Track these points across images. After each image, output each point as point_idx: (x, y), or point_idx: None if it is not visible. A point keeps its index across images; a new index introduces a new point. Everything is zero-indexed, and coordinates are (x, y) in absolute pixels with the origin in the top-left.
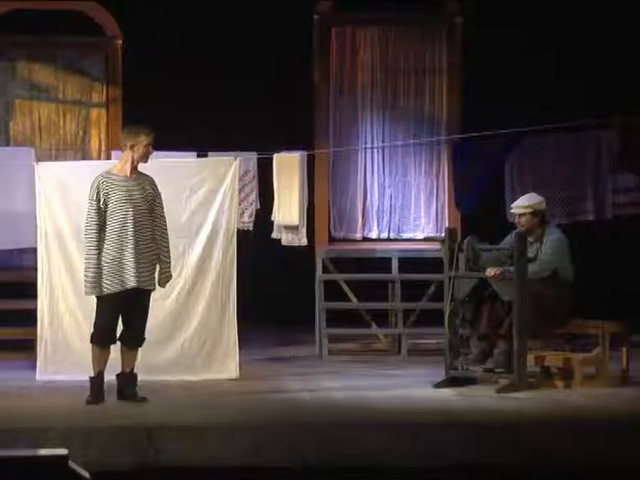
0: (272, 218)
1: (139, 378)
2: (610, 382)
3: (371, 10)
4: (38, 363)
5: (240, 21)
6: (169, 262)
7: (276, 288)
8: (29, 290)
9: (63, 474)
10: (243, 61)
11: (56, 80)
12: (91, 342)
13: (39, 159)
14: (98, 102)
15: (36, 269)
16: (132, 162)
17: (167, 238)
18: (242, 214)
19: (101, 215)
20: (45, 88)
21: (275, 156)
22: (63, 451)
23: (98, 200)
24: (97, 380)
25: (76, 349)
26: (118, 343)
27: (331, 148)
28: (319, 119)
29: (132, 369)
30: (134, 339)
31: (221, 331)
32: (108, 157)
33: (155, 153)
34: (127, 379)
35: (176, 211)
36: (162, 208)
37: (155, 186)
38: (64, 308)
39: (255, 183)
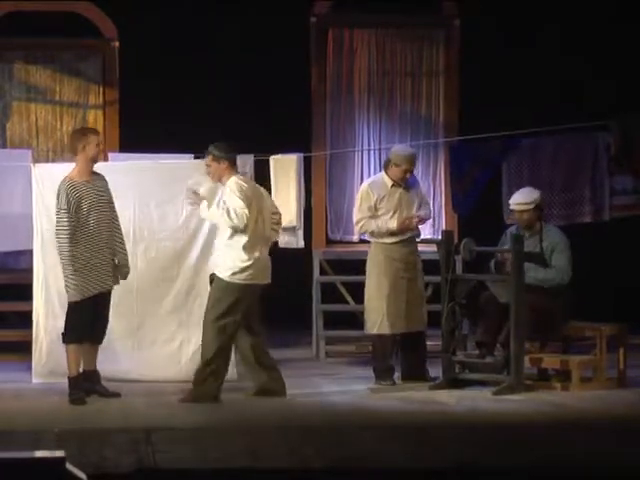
0: None
1: (137, 379)
2: (607, 384)
3: (368, 12)
4: (33, 365)
5: (237, 23)
6: (127, 256)
7: (273, 290)
8: (25, 292)
9: (60, 476)
10: (240, 63)
11: (53, 82)
12: (68, 343)
13: (36, 161)
14: (95, 104)
15: (32, 271)
16: (87, 164)
17: (121, 231)
18: None
19: (72, 221)
20: (42, 90)
21: (272, 158)
22: (60, 453)
23: (69, 208)
24: (78, 379)
25: None
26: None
27: (328, 150)
28: (316, 121)
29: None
30: (100, 337)
31: None
32: (105, 159)
33: (151, 155)
34: (95, 376)
35: (173, 212)
36: (114, 205)
37: (108, 185)
38: (59, 309)
39: None
